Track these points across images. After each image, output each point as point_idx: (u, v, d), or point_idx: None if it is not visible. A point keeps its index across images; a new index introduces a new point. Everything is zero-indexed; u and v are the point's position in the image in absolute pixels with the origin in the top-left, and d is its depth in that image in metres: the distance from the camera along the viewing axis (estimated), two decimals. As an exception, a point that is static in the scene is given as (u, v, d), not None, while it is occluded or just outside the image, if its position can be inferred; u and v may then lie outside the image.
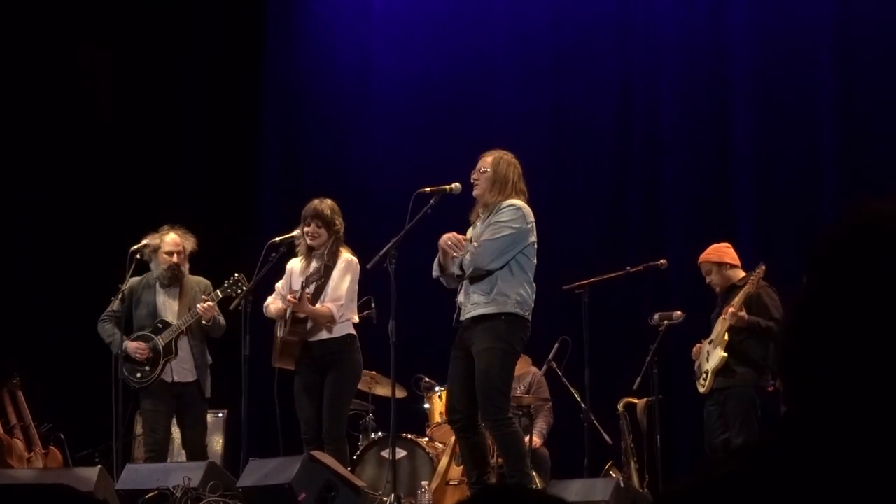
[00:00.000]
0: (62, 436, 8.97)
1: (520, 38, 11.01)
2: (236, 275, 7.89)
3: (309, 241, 7.51)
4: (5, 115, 10.65)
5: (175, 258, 8.02)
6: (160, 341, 7.93)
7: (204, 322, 7.91)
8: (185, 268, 8.11)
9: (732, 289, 7.93)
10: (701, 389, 7.95)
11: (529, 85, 10.91)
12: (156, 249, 8.03)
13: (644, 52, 10.63)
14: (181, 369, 7.97)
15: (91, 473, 6.98)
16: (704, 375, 7.87)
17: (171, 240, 8.05)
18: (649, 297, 9.42)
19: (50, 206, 10.69)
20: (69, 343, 10.13)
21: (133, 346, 7.93)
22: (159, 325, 7.99)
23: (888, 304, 1.18)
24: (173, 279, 8.05)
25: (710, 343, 7.89)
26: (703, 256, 8.14)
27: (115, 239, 8.90)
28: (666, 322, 8.27)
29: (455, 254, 6.62)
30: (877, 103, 9.75)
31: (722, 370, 7.75)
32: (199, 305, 7.88)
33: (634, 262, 8.22)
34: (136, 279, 8.14)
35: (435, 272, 6.80)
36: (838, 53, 9.94)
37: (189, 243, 8.11)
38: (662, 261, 8.16)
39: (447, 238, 6.64)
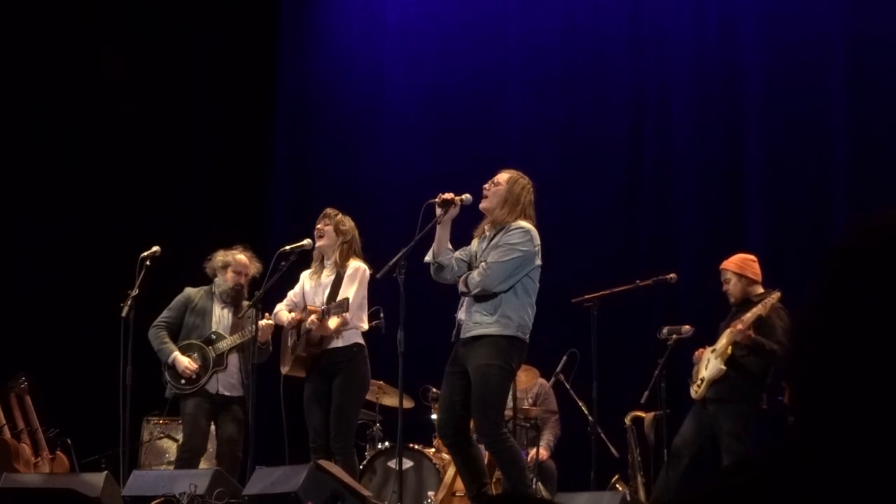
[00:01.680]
0: (69, 441, 8.99)
1: (532, 52, 11.03)
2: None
3: (317, 242, 7.57)
4: (18, 117, 10.69)
5: (242, 279, 8.11)
6: (212, 351, 8.00)
7: (260, 344, 7.90)
8: (246, 290, 8.17)
9: (747, 303, 7.90)
10: (693, 395, 7.93)
11: (541, 99, 10.92)
12: (226, 266, 8.14)
13: (656, 68, 10.63)
14: (227, 382, 8.03)
15: (97, 479, 6.99)
16: (700, 382, 7.85)
17: (240, 260, 8.14)
18: (658, 311, 9.41)
19: (59, 213, 10.71)
20: (77, 348, 10.15)
21: (182, 364, 7.98)
22: (212, 337, 8.07)
23: (893, 317, 1.18)
24: (234, 298, 8.10)
25: (712, 352, 7.87)
26: (727, 264, 8.09)
27: (126, 246, 8.92)
28: (675, 336, 8.24)
29: (443, 209, 6.66)
30: (889, 120, 9.73)
31: (718, 381, 7.73)
32: (261, 322, 7.81)
33: (644, 276, 8.21)
34: (194, 289, 8.24)
35: (428, 257, 6.81)
36: (850, 70, 9.93)
37: (255, 268, 8.21)
38: (672, 275, 8.14)
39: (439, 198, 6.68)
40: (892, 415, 1.16)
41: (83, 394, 9.77)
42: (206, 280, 8.36)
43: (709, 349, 7.91)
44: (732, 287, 8.00)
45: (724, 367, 7.69)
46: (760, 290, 7.97)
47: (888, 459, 1.15)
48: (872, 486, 1.15)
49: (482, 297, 6.59)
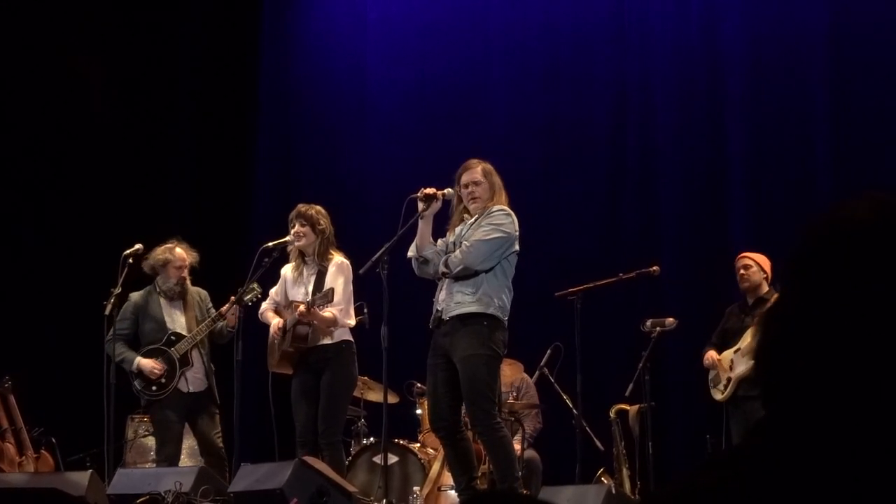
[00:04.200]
0: (54, 440, 8.96)
1: (514, 46, 11.02)
2: (254, 285, 7.85)
3: (297, 243, 7.56)
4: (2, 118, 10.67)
5: (183, 272, 8.12)
6: (175, 353, 8.02)
7: (229, 328, 7.93)
8: (189, 281, 8.18)
9: (759, 301, 8.03)
10: (719, 396, 8.02)
11: (524, 93, 10.92)
12: (165, 263, 8.13)
13: (638, 62, 10.64)
14: (195, 378, 8.06)
15: (82, 478, 6.97)
16: (726, 382, 7.95)
17: (178, 254, 8.14)
18: (641, 304, 9.42)
19: (44, 211, 10.69)
20: (61, 347, 10.12)
21: (148, 365, 8.00)
22: (172, 338, 8.08)
23: (858, 307, 1.18)
24: (180, 293, 8.11)
25: (735, 352, 7.95)
26: (751, 255, 8.21)
27: (108, 243, 8.91)
28: (658, 329, 8.28)
29: (426, 203, 6.67)
30: (871, 113, 9.76)
31: (748, 378, 7.80)
32: (225, 310, 7.92)
33: (627, 269, 8.23)
34: (137, 294, 8.23)
35: (411, 251, 6.82)
36: (832, 64, 9.95)
37: (192, 257, 8.21)
38: (655, 267, 8.16)
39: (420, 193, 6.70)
40: (860, 407, 1.17)
41: (67, 393, 9.75)
42: (193, 274, 8.36)
43: (729, 351, 8.00)
44: (753, 274, 8.15)
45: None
46: (766, 287, 8.11)
47: (856, 452, 1.16)
48: (841, 478, 1.15)
49: (463, 276, 6.60)
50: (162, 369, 7.99)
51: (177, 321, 8.15)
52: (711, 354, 8.13)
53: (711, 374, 8.10)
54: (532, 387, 9.10)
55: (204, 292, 8.30)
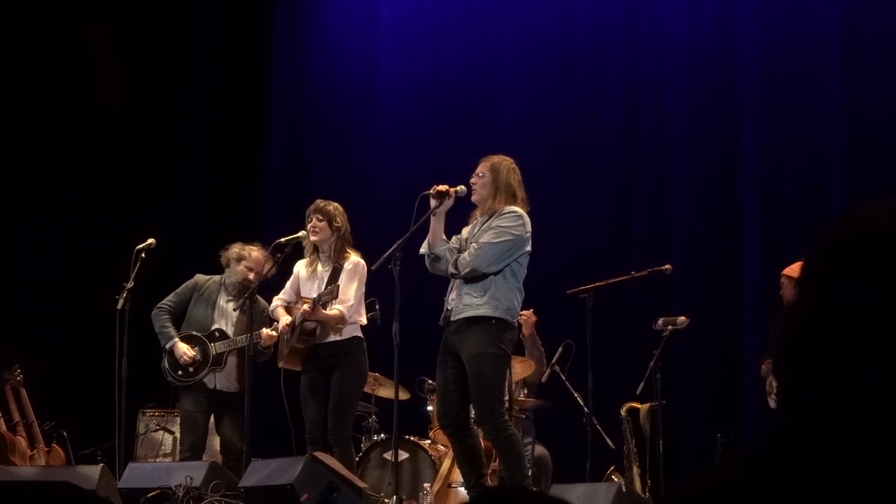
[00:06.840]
0: (65, 433, 8.98)
1: (527, 44, 11.01)
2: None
3: (312, 238, 7.56)
4: (11, 110, 10.67)
5: (251, 275, 8.06)
6: (213, 349, 8.00)
7: (262, 348, 7.87)
8: (255, 286, 8.00)
9: None
10: (773, 405, 7.96)
11: (536, 91, 10.91)
12: (239, 259, 8.12)
13: (651, 61, 10.61)
14: (225, 380, 8.02)
15: (93, 471, 6.99)
16: None
17: (255, 256, 8.10)
18: (653, 302, 9.40)
19: (54, 204, 10.70)
20: (73, 341, 10.14)
21: (181, 349, 8.00)
22: (216, 334, 8.06)
23: (874, 311, 1.18)
24: (241, 293, 8.04)
25: None
26: (788, 270, 8.07)
27: (119, 237, 8.92)
28: (670, 327, 8.26)
29: (438, 200, 6.67)
30: (884, 114, 9.73)
31: None
32: (264, 331, 7.78)
33: (639, 267, 8.22)
34: (205, 277, 8.23)
35: (423, 248, 6.82)
36: (845, 64, 9.91)
37: (268, 265, 8.04)
38: (667, 266, 8.15)
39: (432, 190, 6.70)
40: (876, 411, 1.17)
41: (79, 386, 9.76)
42: (204, 269, 8.36)
43: None
44: (787, 291, 8.01)
45: None
46: None
47: (872, 455, 1.16)
48: (855, 480, 1.15)
49: (472, 278, 6.61)
50: (193, 358, 7.99)
51: (228, 319, 8.11)
52: (769, 362, 8.03)
53: (769, 382, 8.01)
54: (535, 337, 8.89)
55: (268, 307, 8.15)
